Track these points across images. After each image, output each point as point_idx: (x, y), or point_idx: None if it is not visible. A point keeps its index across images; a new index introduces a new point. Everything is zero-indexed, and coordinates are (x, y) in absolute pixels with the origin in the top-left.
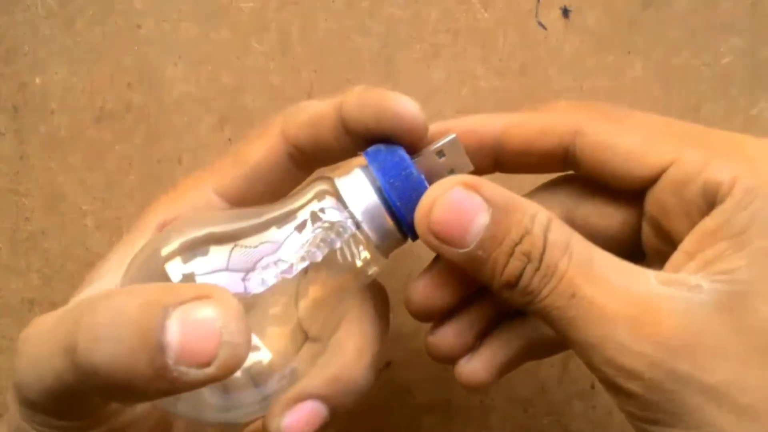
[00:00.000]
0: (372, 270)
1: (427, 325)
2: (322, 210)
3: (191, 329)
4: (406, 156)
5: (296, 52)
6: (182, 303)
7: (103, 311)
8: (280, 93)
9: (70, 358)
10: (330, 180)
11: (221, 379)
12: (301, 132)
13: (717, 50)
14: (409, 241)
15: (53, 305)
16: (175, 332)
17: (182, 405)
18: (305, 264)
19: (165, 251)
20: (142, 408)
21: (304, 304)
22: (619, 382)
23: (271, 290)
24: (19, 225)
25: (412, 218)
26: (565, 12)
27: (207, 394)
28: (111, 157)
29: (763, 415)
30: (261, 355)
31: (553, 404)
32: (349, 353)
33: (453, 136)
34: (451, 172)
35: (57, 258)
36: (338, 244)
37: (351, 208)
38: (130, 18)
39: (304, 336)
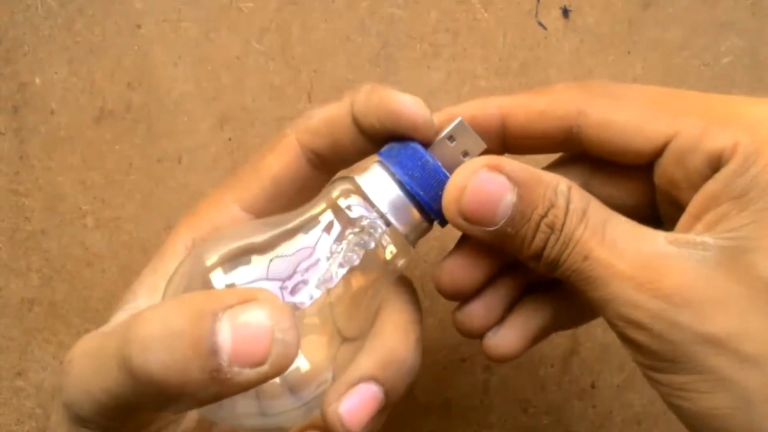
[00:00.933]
0: (401, 262)
1: (429, 322)
2: (348, 208)
3: (242, 331)
4: (420, 147)
5: (296, 52)
6: (229, 307)
7: (152, 322)
8: (280, 93)
9: (124, 370)
10: (351, 179)
11: (274, 377)
12: (317, 137)
13: (717, 50)
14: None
15: (53, 305)
16: (226, 335)
17: (226, 413)
18: (345, 270)
19: (206, 263)
20: (186, 425)
21: (339, 307)
22: (627, 333)
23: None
24: (19, 225)
25: (437, 205)
26: (565, 12)
27: (249, 402)
28: (111, 157)
29: (765, 363)
30: (299, 362)
31: (553, 404)
32: (395, 334)
33: (459, 119)
34: (465, 154)
35: (57, 258)
36: (372, 245)
37: (377, 204)
38: (130, 18)
39: (340, 340)
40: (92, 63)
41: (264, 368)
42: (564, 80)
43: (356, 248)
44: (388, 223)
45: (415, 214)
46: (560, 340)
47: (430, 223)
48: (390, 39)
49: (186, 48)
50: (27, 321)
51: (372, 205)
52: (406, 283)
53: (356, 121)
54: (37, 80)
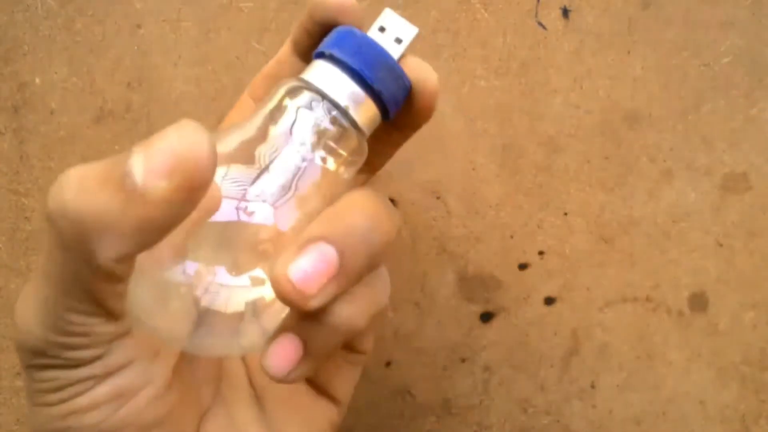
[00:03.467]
0: (357, 158)
1: (429, 322)
2: (300, 104)
3: (154, 150)
4: (351, 28)
5: None
6: (143, 144)
7: (69, 171)
8: None
9: (47, 222)
10: (292, 78)
11: (192, 186)
12: (264, 84)
13: (717, 50)
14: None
15: None
16: (138, 158)
17: (201, 341)
18: (306, 149)
19: None
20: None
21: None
22: None
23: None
24: (19, 225)
25: (380, 79)
26: (565, 12)
27: (212, 328)
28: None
29: None
30: (264, 291)
31: (553, 404)
32: (346, 203)
33: (386, 9)
34: (399, 41)
35: None
36: (324, 124)
37: (322, 88)
38: (130, 18)
39: None
40: (92, 63)
41: (176, 177)
42: (564, 80)
43: (310, 131)
44: (337, 108)
45: (362, 94)
46: (560, 340)
47: (377, 99)
48: None
49: (186, 48)
50: None
51: (318, 92)
52: (373, 186)
53: (295, 46)
54: (37, 80)
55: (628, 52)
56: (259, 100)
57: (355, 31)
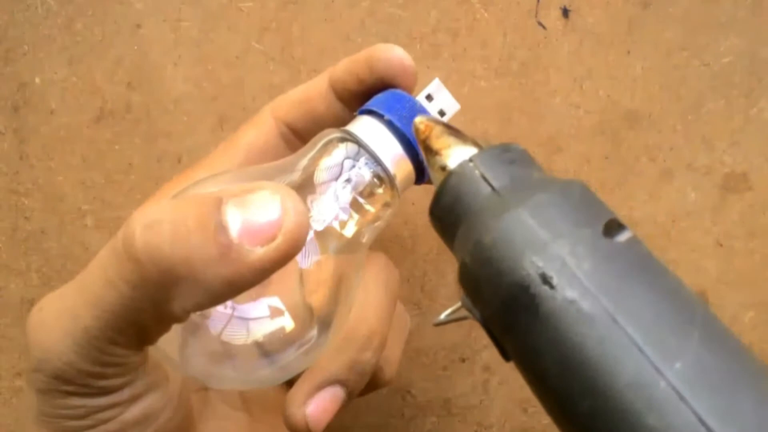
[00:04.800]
0: (387, 214)
1: (429, 326)
2: (346, 156)
3: (250, 209)
4: (405, 93)
5: (296, 52)
6: (233, 195)
7: (154, 209)
8: (280, 93)
9: (125, 259)
10: (340, 129)
11: (288, 255)
12: (293, 110)
13: (717, 50)
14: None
15: None
16: (233, 213)
17: (213, 371)
18: (344, 201)
19: None
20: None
21: (316, 281)
22: None
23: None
24: (18, 225)
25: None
26: (565, 12)
27: (227, 365)
28: (111, 157)
29: None
30: (284, 322)
31: None
32: (362, 337)
33: (436, 79)
34: (442, 113)
35: (57, 258)
36: (367, 181)
37: (376, 151)
38: (130, 18)
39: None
40: (92, 63)
41: (277, 242)
42: (564, 80)
43: (346, 184)
44: (378, 164)
45: (402, 153)
46: None
47: (416, 164)
48: (390, 39)
49: (186, 48)
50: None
51: (361, 146)
52: (388, 271)
53: (334, 86)
54: (37, 80)
55: (628, 52)
56: (283, 123)
57: (413, 101)
